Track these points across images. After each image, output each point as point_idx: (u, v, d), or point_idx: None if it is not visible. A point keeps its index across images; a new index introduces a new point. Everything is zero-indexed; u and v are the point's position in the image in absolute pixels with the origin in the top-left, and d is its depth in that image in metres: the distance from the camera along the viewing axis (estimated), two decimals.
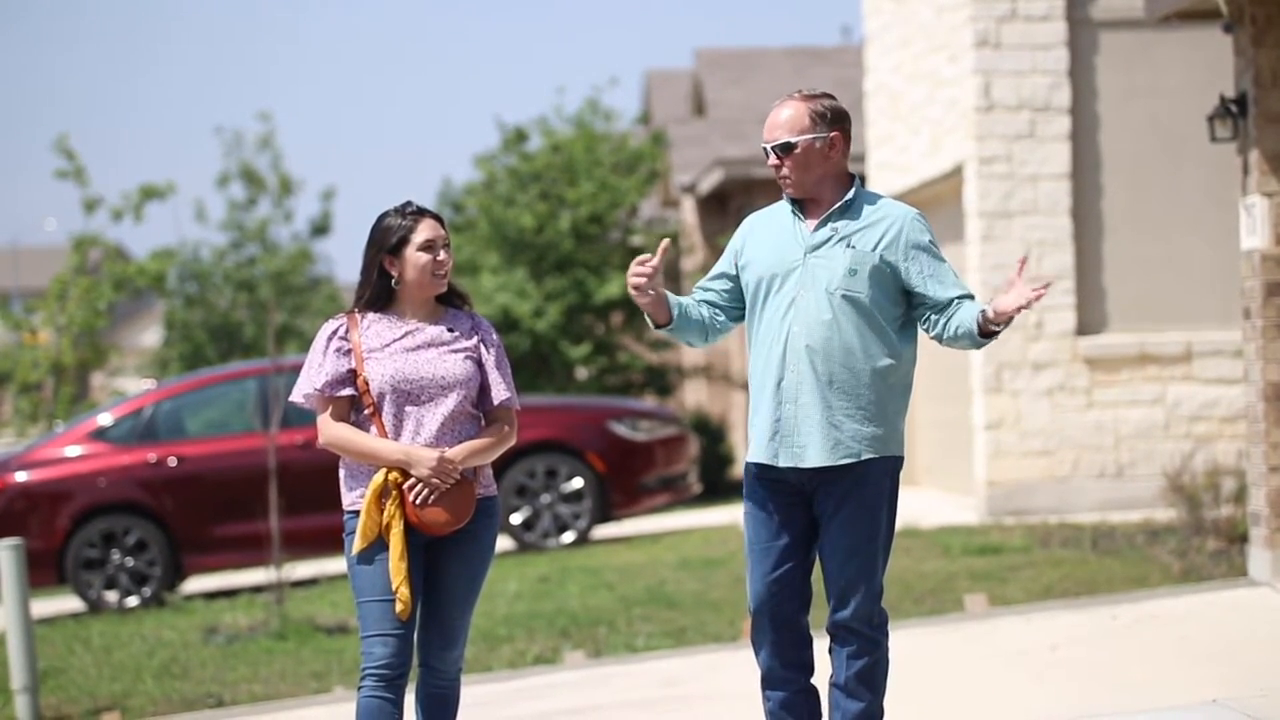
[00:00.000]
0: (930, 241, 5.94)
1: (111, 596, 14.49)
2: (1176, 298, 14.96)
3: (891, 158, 18.10)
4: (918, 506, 15.58)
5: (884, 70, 18.37)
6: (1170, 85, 14.88)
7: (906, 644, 9.39)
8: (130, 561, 14.57)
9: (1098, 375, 14.88)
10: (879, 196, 6.03)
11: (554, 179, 22.87)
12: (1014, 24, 14.95)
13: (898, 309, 5.93)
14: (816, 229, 5.95)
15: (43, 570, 14.29)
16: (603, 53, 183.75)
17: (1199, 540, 11.86)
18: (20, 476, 14.81)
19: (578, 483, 15.50)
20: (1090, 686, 8.07)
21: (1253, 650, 8.64)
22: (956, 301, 5.90)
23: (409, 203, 6.15)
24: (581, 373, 22.98)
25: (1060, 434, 14.83)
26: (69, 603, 15.43)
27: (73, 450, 14.96)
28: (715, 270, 6.18)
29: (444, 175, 45.00)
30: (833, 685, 6.02)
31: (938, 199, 16.98)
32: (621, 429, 15.79)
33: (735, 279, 6.10)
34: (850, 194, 5.97)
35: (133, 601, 14.40)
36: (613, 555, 14.51)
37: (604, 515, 15.68)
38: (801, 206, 6.02)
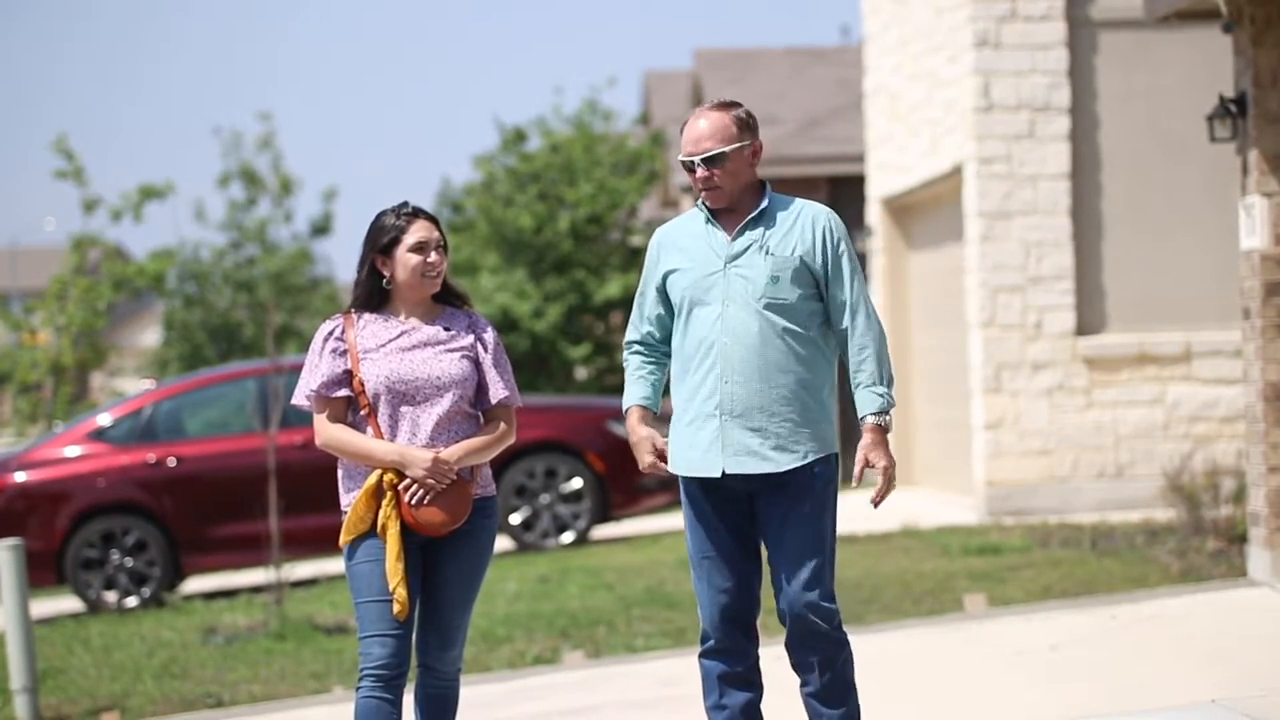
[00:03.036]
0: (842, 241, 5.92)
1: (111, 597, 14.48)
2: (1176, 298, 14.97)
3: (891, 158, 18.09)
4: (917, 506, 15.57)
5: (883, 70, 18.37)
6: (1169, 85, 14.89)
7: (905, 644, 9.41)
8: (129, 562, 14.57)
9: (1097, 375, 14.88)
10: (792, 200, 6.01)
11: (553, 179, 22.88)
12: (1013, 24, 14.95)
13: (820, 304, 5.92)
14: (735, 238, 5.92)
15: (42, 570, 14.29)
16: (602, 53, 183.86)
17: (1198, 540, 11.86)
18: (20, 477, 14.80)
19: (577, 483, 15.50)
20: (1089, 686, 8.07)
21: (1252, 650, 8.63)
22: (854, 347, 5.87)
23: (405, 203, 6.15)
24: (581, 373, 23.00)
25: (1059, 434, 14.83)
26: (68, 603, 15.42)
27: (72, 450, 14.95)
28: (648, 299, 6.07)
29: (443, 175, 45.01)
30: (808, 696, 5.97)
31: (937, 199, 16.97)
32: (621, 429, 15.77)
33: (668, 296, 6.04)
34: (765, 201, 5.96)
35: (132, 602, 14.40)
36: (612, 555, 14.51)
37: (603, 515, 15.68)
38: (715, 216, 5.99)
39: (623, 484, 15.66)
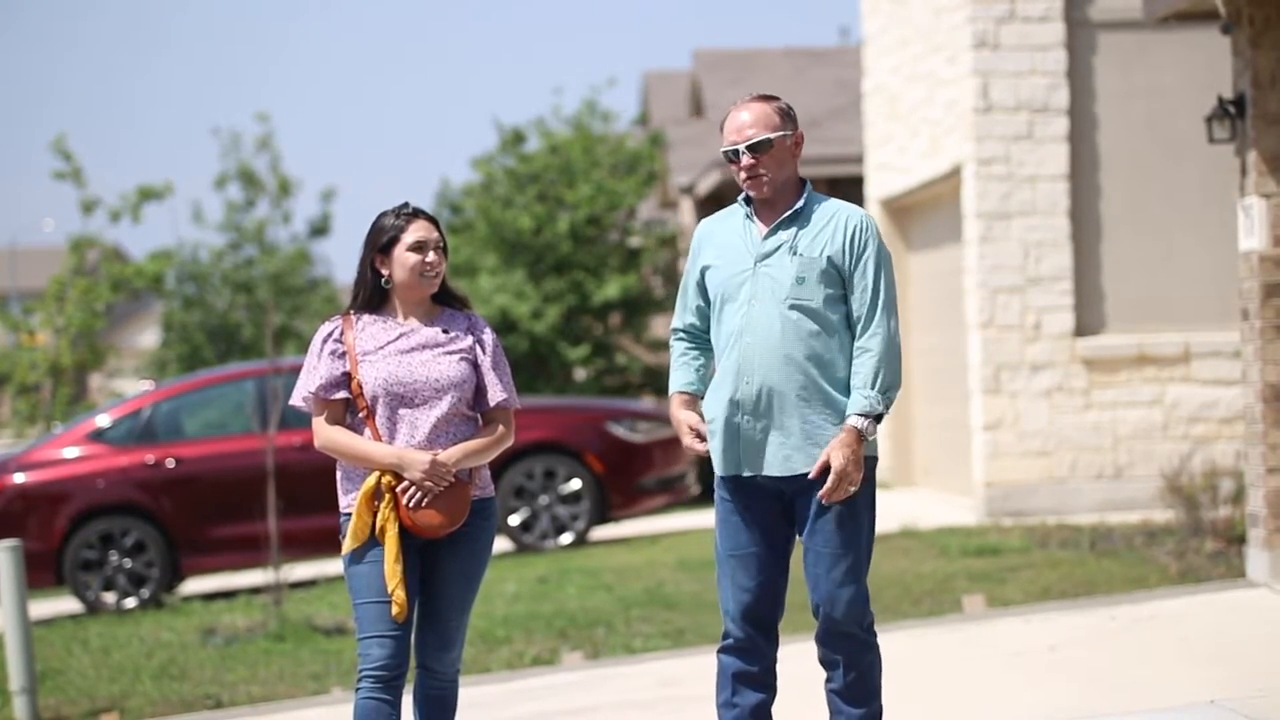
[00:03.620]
0: (870, 243, 5.91)
1: (110, 598, 14.48)
2: (1175, 299, 14.97)
3: (890, 159, 18.10)
4: (916, 507, 15.58)
5: (882, 71, 18.37)
6: (1168, 86, 14.89)
7: (905, 645, 9.40)
8: (128, 563, 14.57)
9: (1096, 376, 14.88)
10: (829, 199, 6.02)
11: (552, 180, 22.87)
12: (1012, 25, 14.95)
13: (850, 305, 5.93)
14: (767, 237, 5.94)
15: (41, 571, 14.29)
16: (601, 54, 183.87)
17: (1197, 541, 11.86)
18: (19, 478, 14.80)
19: (576, 484, 15.49)
20: (1088, 687, 8.07)
21: (1251, 651, 8.64)
22: (857, 349, 5.87)
23: (405, 204, 6.16)
24: (580, 374, 22.99)
25: (1058, 435, 14.83)
26: (67, 604, 15.42)
27: (71, 451, 14.95)
28: (689, 291, 6.13)
29: (442, 176, 44.97)
30: (831, 692, 5.99)
31: (936, 200, 16.97)
32: (620, 430, 15.79)
33: (707, 290, 6.09)
34: (801, 201, 5.96)
35: (131, 603, 14.40)
36: (611, 556, 14.51)
37: (602, 516, 15.68)
38: (754, 211, 6.01)
39: (621, 485, 15.66)
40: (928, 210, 17.39)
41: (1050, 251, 14.91)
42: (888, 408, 5.87)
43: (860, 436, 5.80)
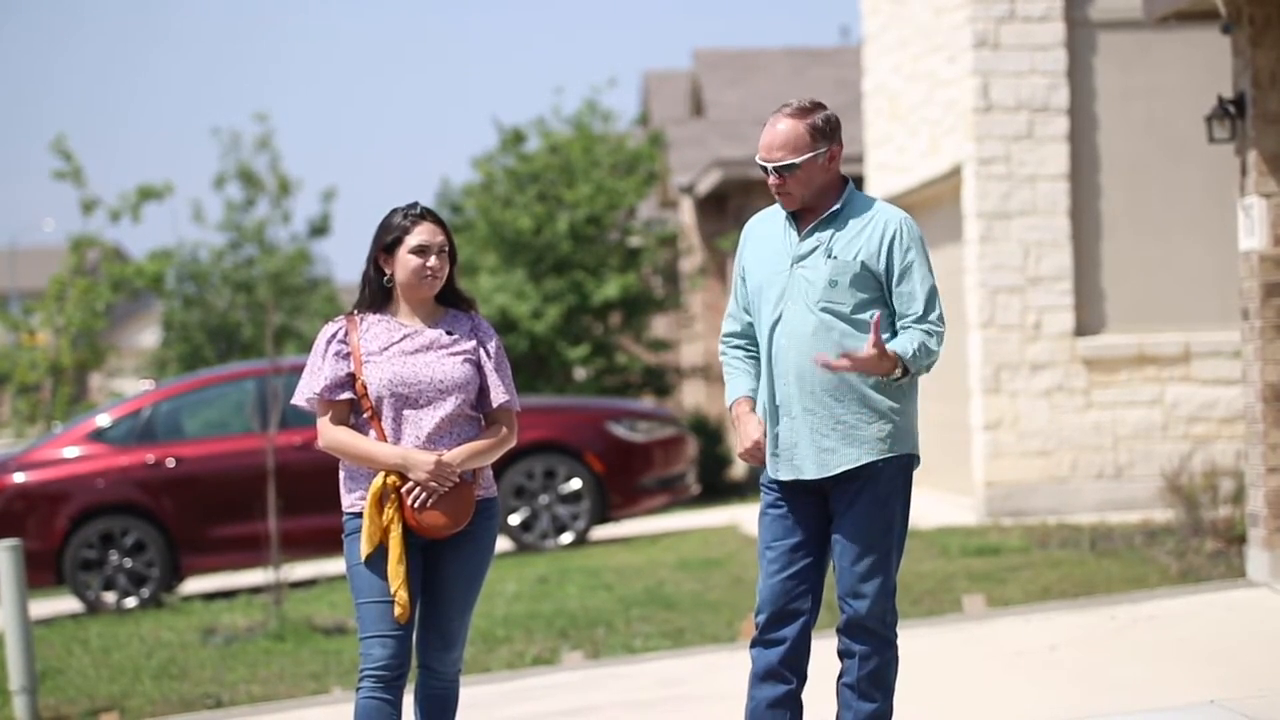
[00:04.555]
0: (911, 249, 5.91)
1: (110, 597, 14.49)
2: (1175, 298, 14.97)
3: (890, 158, 18.10)
4: (916, 507, 15.52)
5: (882, 71, 18.37)
6: (1169, 86, 14.89)
7: (905, 644, 9.35)
8: (128, 562, 14.57)
9: (1096, 376, 14.88)
10: (870, 200, 6.01)
11: (552, 180, 22.87)
12: (1012, 25, 14.95)
13: (887, 309, 5.93)
14: (803, 239, 5.96)
15: (41, 571, 14.30)
16: (601, 53, 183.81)
17: (1197, 541, 11.86)
18: (19, 477, 14.81)
19: (576, 483, 15.50)
20: (1088, 687, 8.08)
21: (1251, 651, 8.64)
22: (904, 328, 5.89)
23: (415, 204, 6.14)
24: (580, 373, 22.99)
25: (1058, 435, 14.83)
26: (67, 603, 15.43)
27: (71, 451, 14.96)
28: (736, 294, 6.15)
29: (442, 176, 44.97)
30: (843, 685, 6.03)
31: (936, 200, 16.97)
32: (620, 430, 15.79)
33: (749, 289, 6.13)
34: (839, 203, 5.96)
35: (131, 602, 14.41)
36: (611, 556, 14.52)
37: (602, 516, 15.68)
38: (795, 213, 6.03)
39: (621, 485, 15.67)
40: (928, 210, 17.39)
41: (1050, 251, 14.91)
42: (921, 363, 5.79)
43: (888, 361, 5.73)
